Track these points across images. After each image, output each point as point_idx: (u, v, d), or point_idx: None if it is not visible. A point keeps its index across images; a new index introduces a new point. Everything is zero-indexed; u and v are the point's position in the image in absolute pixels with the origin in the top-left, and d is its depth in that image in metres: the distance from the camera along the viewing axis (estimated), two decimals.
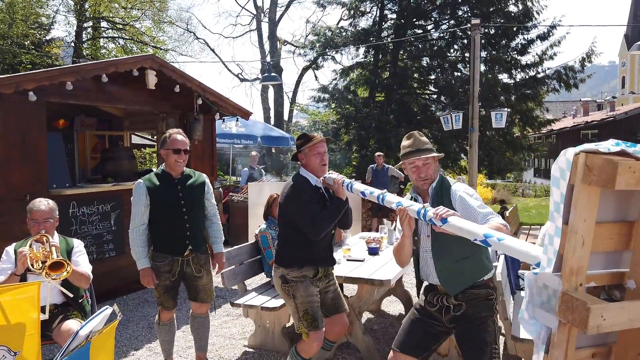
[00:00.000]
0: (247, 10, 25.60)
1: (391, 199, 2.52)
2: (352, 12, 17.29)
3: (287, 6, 22.82)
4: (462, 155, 16.24)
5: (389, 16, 17.42)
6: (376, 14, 17.33)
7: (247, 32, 26.00)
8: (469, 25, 11.15)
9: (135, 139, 9.42)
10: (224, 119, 7.14)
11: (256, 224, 7.83)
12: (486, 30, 15.33)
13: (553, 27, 15.35)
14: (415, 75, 17.32)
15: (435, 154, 2.56)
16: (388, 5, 17.25)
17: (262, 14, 22.76)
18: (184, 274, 3.41)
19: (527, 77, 15.94)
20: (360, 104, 16.45)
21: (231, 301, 3.97)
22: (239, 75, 24.31)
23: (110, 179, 6.37)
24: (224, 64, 25.46)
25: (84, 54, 19.14)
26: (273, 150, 18.84)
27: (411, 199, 2.63)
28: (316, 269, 3.06)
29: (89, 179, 7.37)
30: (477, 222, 2.30)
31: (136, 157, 8.57)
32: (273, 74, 9.42)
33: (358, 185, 2.86)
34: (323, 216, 2.93)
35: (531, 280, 1.39)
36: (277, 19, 21.90)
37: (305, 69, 21.50)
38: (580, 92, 16.80)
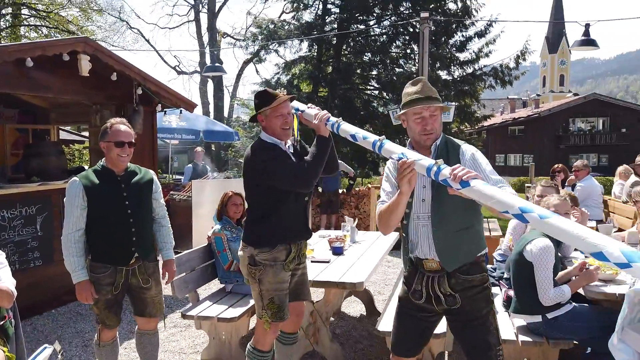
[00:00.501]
0: (185, 0, 24.53)
1: (392, 148, 2.16)
2: (295, 5, 16.97)
3: None
4: None
5: (333, 10, 17.27)
6: (319, 7, 17.13)
7: (184, 22, 24.81)
8: (418, 18, 11.17)
9: (63, 134, 8.57)
10: (165, 111, 6.58)
11: (201, 224, 7.36)
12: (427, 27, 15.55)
13: (490, 24, 15.85)
14: (358, 70, 17.30)
15: (443, 104, 2.23)
16: (332, 0, 17.11)
17: (201, 5, 21.87)
18: (129, 286, 2.98)
19: (464, 73, 16.39)
20: (304, 99, 16.17)
21: (182, 312, 3.56)
22: (177, 68, 23.27)
23: (36, 178, 5.65)
24: (160, 56, 24.32)
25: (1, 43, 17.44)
26: (213, 147, 18.16)
27: None
28: (289, 249, 2.74)
29: (9, 178, 6.56)
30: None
31: (66, 154, 7.78)
32: (217, 64, 8.91)
33: (347, 126, 2.49)
34: (308, 162, 2.61)
35: (631, 297, 1.17)
36: (216, 10, 21.11)
37: (246, 62, 20.92)
38: (506, 90, 17.49)
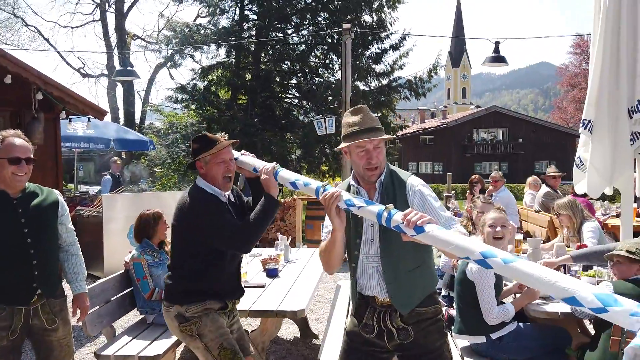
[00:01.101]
0: None
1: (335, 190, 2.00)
2: (210, 9, 16.44)
3: None
4: (324, 160, 16.51)
5: (250, 17, 16.97)
6: (236, 13, 16.75)
7: (89, 22, 23.05)
8: (337, 29, 11.25)
9: None
10: (70, 119, 5.91)
11: (113, 243, 6.71)
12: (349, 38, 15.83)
13: (404, 37, 16.43)
14: (278, 79, 17.14)
15: (387, 136, 2.09)
16: (248, 6, 16.80)
17: (107, 4, 20.48)
18: (29, 329, 2.51)
19: (380, 85, 16.88)
20: (223, 106, 15.69)
21: (96, 352, 3.09)
22: (81, 70, 21.54)
23: None
24: (62, 57, 22.34)
25: None
26: (123, 155, 16.96)
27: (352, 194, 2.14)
28: (224, 302, 2.48)
29: None
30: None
31: None
32: (129, 68, 8.25)
33: (286, 173, 2.30)
34: (250, 223, 2.35)
35: (630, 356, 1.05)
36: (125, 10, 19.88)
37: (159, 67, 19.89)
38: (415, 102, 18.34)
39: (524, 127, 38.20)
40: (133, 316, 4.05)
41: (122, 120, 19.11)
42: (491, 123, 38.59)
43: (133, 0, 21.35)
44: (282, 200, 9.63)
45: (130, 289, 3.56)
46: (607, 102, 3.71)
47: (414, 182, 2.10)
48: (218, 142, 2.42)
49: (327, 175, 17.04)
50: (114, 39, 20.09)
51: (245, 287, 3.32)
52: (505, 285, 3.07)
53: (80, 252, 2.77)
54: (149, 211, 3.64)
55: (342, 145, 2.09)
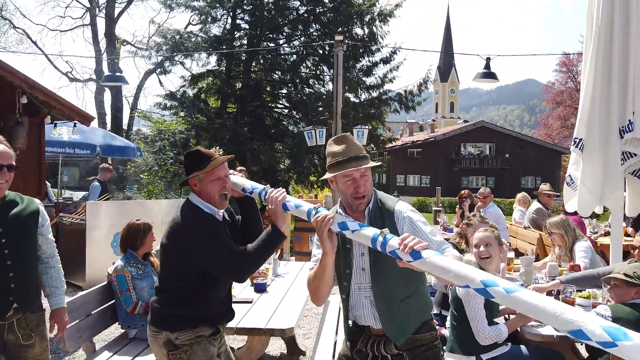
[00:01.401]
0: (80, 2, 22.60)
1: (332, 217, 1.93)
2: (202, 17, 16.40)
3: (128, 3, 20.79)
4: (313, 170, 16.46)
5: (242, 26, 16.96)
6: (227, 22, 16.73)
7: (78, 26, 22.84)
8: (329, 40, 11.27)
9: None
10: (56, 124, 5.78)
11: (96, 252, 6.54)
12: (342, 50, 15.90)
13: (395, 51, 16.53)
14: (268, 88, 17.11)
15: (373, 164, 2.05)
16: (240, 15, 16.80)
17: (98, 9, 20.34)
18: (4, 345, 2.39)
19: (370, 97, 16.93)
20: (212, 114, 15.59)
21: None
22: (69, 74, 21.29)
23: None
24: (49, 60, 22.09)
25: None
26: (110, 161, 16.72)
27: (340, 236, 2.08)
28: (215, 328, 2.35)
29: None
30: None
31: None
32: (118, 73, 8.13)
33: (294, 200, 2.17)
34: (250, 252, 2.18)
35: None
36: (115, 15, 19.75)
37: (148, 73, 19.75)
38: (403, 115, 18.42)
39: (511, 143, 38.63)
40: (114, 330, 3.91)
41: (109, 126, 18.89)
42: (479, 138, 38.98)
43: (124, 6, 21.25)
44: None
45: (112, 302, 3.43)
46: (598, 121, 3.71)
47: (402, 208, 2.07)
48: (212, 159, 2.26)
49: (315, 186, 16.99)
50: (103, 44, 19.94)
51: (233, 302, 3.24)
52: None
53: (60, 265, 2.66)
54: (139, 221, 3.52)
55: (328, 175, 2.06)
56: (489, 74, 8.39)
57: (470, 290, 2.61)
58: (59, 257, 2.67)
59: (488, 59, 8.31)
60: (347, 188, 2.02)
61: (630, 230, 6.04)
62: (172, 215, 2.29)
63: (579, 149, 3.81)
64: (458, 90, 70.31)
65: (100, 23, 20.38)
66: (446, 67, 66.39)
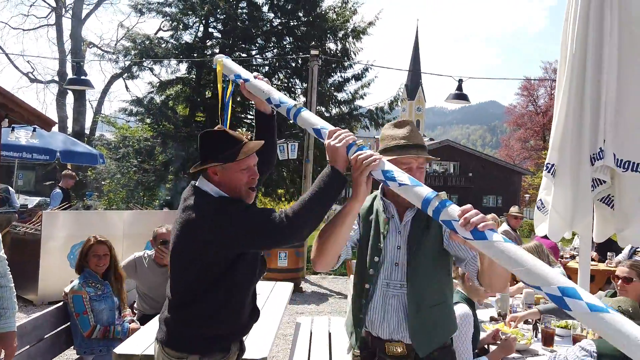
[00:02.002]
0: (45, 1, 21.84)
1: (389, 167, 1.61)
2: (174, 24, 16.12)
3: (97, 5, 20.25)
4: (281, 184, 16.31)
5: (215, 34, 16.77)
6: (200, 29, 16.51)
7: (43, 26, 22.04)
8: (302, 54, 11.24)
9: None
10: (13, 127, 5.44)
11: (51, 264, 6.17)
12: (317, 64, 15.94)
13: (367, 69, 16.69)
14: (239, 98, 16.92)
15: (432, 157, 1.88)
16: (213, 23, 16.61)
17: (64, 9, 19.72)
18: None
19: (341, 112, 17.01)
20: (180, 123, 15.25)
21: None
22: (30, 75, 20.46)
23: None
24: (10, 59, 21.17)
25: None
26: (69, 167, 16.05)
27: (384, 219, 1.89)
28: (241, 344, 2.05)
29: None
30: (468, 257, 1.75)
31: None
32: (83, 77, 7.79)
33: (309, 115, 1.86)
34: (304, 200, 1.69)
35: None
36: (82, 17, 19.18)
37: (115, 77, 19.22)
38: (372, 130, 18.57)
39: (474, 162, 39.64)
40: (69, 356, 3.63)
41: (70, 130, 18.20)
42: (444, 156, 39.81)
43: (92, 8, 20.68)
44: None
45: (67, 325, 3.18)
46: (570, 147, 3.75)
47: None
48: (243, 144, 1.87)
49: (282, 199, 16.82)
50: (68, 45, 19.30)
51: None
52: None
53: (12, 284, 2.43)
54: (99, 237, 3.30)
55: (385, 158, 1.74)
56: (460, 95, 8.53)
57: (464, 319, 2.55)
58: (11, 276, 2.44)
59: (460, 81, 8.45)
60: None
61: (594, 254, 6.18)
62: (179, 214, 1.88)
63: (551, 174, 3.84)
64: (424, 109, 71.89)
65: (66, 24, 19.76)
66: (413, 85, 67.81)
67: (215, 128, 1.94)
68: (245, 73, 2.16)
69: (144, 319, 3.47)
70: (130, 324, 3.23)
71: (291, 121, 2.00)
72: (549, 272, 1.24)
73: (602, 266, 6.15)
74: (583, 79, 3.65)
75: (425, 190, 1.48)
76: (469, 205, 1.43)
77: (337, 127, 1.79)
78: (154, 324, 3.09)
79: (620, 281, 3.09)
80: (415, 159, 1.82)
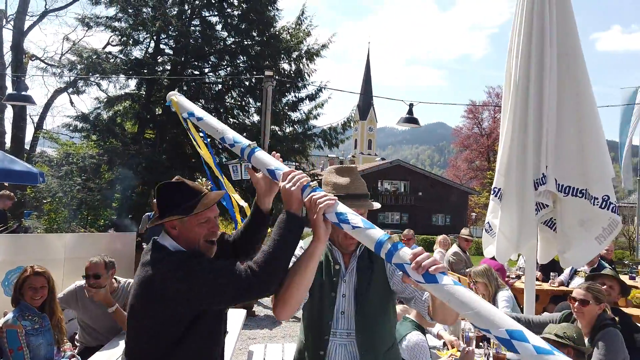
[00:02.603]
0: None
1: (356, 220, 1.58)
2: (123, 39, 15.72)
3: (41, 17, 19.45)
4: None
5: (166, 51, 16.49)
6: (150, 45, 16.21)
7: None
8: (257, 74, 11.23)
9: None
10: None
11: None
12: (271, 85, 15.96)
13: (320, 89, 16.92)
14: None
15: (376, 204, 1.85)
16: (164, 40, 16.34)
17: (5, 20, 18.80)
18: None
19: (295, 132, 17.09)
20: (128, 140, 14.77)
21: None
22: None
23: None
24: None
25: None
26: (6, 184, 15.10)
27: (328, 262, 1.87)
28: None
29: None
30: (416, 295, 1.74)
31: None
32: (24, 92, 7.39)
33: (263, 155, 1.80)
34: (266, 252, 1.61)
35: None
36: (25, 28, 18.35)
37: (58, 91, 18.42)
38: (325, 149, 18.76)
39: (424, 182, 40.78)
40: None
41: (8, 145, 17.19)
42: (395, 175, 40.73)
43: (36, 19, 19.84)
44: None
45: None
46: (515, 173, 3.91)
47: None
48: (202, 196, 1.78)
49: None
50: (8, 57, 18.34)
51: None
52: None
53: None
54: (35, 268, 3.07)
55: None
56: (411, 119, 8.78)
57: (417, 349, 2.55)
58: None
59: (411, 105, 8.71)
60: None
61: (538, 274, 6.44)
62: (137, 271, 1.75)
63: (498, 198, 3.98)
64: (376, 129, 73.55)
65: (7, 35, 18.83)
66: (365, 106, 69.33)
67: (173, 179, 1.86)
68: (198, 111, 2.08)
69: (85, 353, 3.26)
70: (70, 359, 3.02)
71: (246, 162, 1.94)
72: (496, 314, 1.27)
73: (545, 286, 6.42)
74: (526, 109, 3.84)
75: (378, 233, 1.49)
76: (419, 248, 1.44)
77: (291, 169, 1.75)
78: (96, 359, 2.90)
79: (577, 303, 3.20)
80: (357, 210, 1.80)
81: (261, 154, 1.84)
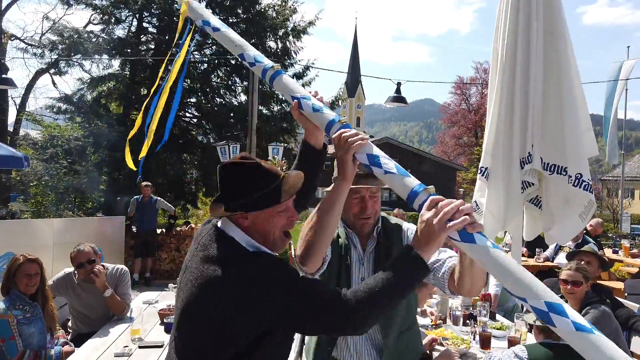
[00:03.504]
0: None
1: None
2: (104, 17, 15.33)
3: None
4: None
5: (150, 29, 16.14)
6: (133, 24, 15.82)
7: None
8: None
9: None
10: None
11: None
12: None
13: (307, 67, 16.70)
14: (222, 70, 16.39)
15: (384, 186, 1.69)
16: (147, 18, 15.97)
17: None
18: None
19: (283, 111, 16.94)
20: (113, 121, 14.55)
21: None
22: None
23: None
24: None
25: None
26: None
27: (342, 248, 1.83)
28: None
29: None
30: (432, 273, 1.71)
31: None
32: (5, 75, 7.22)
33: (288, 80, 1.65)
34: (372, 285, 1.29)
35: None
36: (3, 7, 17.82)
37: (40, 72, 18.02)
38: None
39: (412, 159, 40.94)
40: None
41: None
42: (383, 153, 40.86)
43: None
44: (179, 229, 8.99)
45: None
46: (502, 152, 3.92)
47: (408, 225, 1.95)
48: (282, 180, 1.44)
49: None
50: None
51: (140, 347, 2.93)
52: None
53: None
54: (26, 255, 3.05)
55: (329, 187, 1.61)
56: (399, 98, 8.75)
57: None
58: None
59: (399, 84, 8.67)
60: (352, 206, 1.82)
61: (524, 250, 6.57)
62: (196, 262, 1.41)
63: (485, 177, 4.01)
64: (364, 106, 73.23)
65: None
66: (353, 83, 68.83)
67: (239, 157, 1.47)
68: (215, 21, 1.88)
69: (79, 339, 3.28)
70: (63, 346, 3.04)
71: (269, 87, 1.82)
72: (538, 285, 1.17)
73: (531, 261, 6.57)
74: (513, 87, 3.84)
75: (414, 182, 1.33)
76: (459, 201, 1.25)
77: (332, 113, 1.52)
78: (89, 346, 2.92)
79: (570, 285, 3.27)
80: (365, 189, 1.80)
81: (286, 78, 1.68)
